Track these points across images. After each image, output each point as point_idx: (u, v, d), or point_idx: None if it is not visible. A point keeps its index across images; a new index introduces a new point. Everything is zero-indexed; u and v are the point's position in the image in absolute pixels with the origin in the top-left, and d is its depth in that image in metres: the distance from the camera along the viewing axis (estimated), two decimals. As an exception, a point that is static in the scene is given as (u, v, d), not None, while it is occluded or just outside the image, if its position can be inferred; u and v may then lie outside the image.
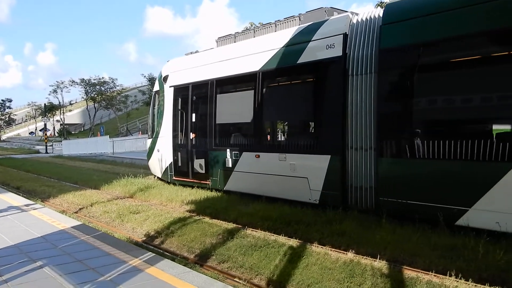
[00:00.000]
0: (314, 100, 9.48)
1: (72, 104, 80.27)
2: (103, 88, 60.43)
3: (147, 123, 16.05)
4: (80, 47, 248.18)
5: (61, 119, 69.23)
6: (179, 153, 13.14)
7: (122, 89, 64.11)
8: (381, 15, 8.36)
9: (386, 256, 6.29)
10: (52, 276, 5.21)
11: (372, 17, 8.62)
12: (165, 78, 13.81)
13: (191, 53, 14.04)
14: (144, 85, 60.55)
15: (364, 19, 8.74)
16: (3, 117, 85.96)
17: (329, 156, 8.82)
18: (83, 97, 65.33)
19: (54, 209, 10.91)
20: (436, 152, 7.22)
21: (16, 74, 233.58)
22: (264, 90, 10.43)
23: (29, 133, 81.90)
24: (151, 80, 51.55)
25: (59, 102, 67.75)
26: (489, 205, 6.59)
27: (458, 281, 5.42)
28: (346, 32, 8.75)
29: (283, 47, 9.97)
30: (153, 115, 14.75)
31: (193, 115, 12.67)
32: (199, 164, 12.37)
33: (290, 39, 9.87)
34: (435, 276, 5.62)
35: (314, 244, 7.07)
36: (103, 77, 61.71)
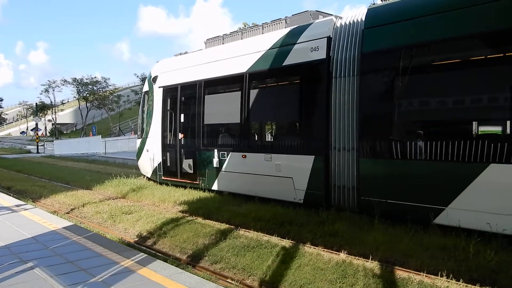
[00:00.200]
0: (299, 101, 9.66)
1: (64, 103, 79.70)
2: (95, 88, 60.12)
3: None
4: (73, 46, 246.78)
5: (52, 118, 68.72)
6: (168, 153, 13.27)
7: (115, 88, 63.80)
8: (363, 19, 8.57)
9: (378, 256, 6.33)
10: (43, 277, 5.17)
11: (355, 21, 8.80)
12: (155, 79, 13.95)
13: (180, 54, 14.17)
14: (137, 85, 60.32)
15: (347, 22, 8.95)
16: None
17: (313, 156, 9.04)
18: (75, 97, 64.95)
19: (46, 210, 10.82)
20: (413, 153, 7.48)
21: (7, 73, 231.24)
22: (251, 91, 10.60)
23: (20, 133, 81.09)
24: (144, 80, 51.26)
25: (51, 102, 67.25)
26: (464, 204, 6.80)
27: (449, 281, 5.46)
28: (330, 36, 8.98)
29: (269, 49, 10.17)
30: (143, 115, 14.90)
31: (182, 115, 12.83)
32: (187, 164, 12.53)
33: (276, 41, 10.07)
34: (427, 276, 5.65)
35: (307, 245, 7.09)
36: (95, 77, 61.48)
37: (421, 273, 5.72)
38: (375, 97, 8.32)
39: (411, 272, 5.82)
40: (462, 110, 7.46)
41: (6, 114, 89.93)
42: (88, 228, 8.82)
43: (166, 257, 7.05)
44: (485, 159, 6.57)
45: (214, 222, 8.99)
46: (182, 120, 12.81)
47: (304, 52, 9.32)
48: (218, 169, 11.32)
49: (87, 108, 61.77)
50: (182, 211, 10.16)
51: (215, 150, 11.39)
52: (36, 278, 5.17)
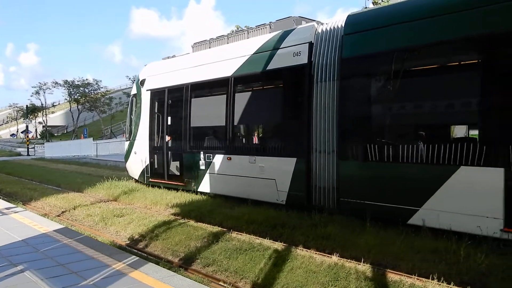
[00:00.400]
0: (282, 105, 9.95)
1: (55, 106, 79.09)
2: (87, 90, 59.68)
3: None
4: (64, 48, 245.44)
5: (43, 121, 68.08)
6: (155, 156, 13.47)
7: (107, 91, 63.50)
8: (343, 25, 8.80)
9: (370, 259, 6.35)
10: (33, 281, 5.13)
11: (336, 27, 9.01)
12: (142, 82, 14.11)
13: (168, 57, 14.37)
14: (129, 87, 59.91)
15: (328, 28, 9.16)
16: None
17: (295, 158, 9.28)
18: (66, 99, 64.46)
19: (36, 212, 10.74)
20: (388, 155, 7.78)
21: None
22: (236, 95, 10.82)
23: (11, 135, 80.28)
24: (136, 83, 51.06)
25: (42, 104, 66.58)
26: (437, 205, 7.06)
27: (440, 284, 5.49)
28: (311, 41, 9.22)
29: (254, 53, 10.41)
30: (131, 118, 15.06)
31: (169, 118, 13.03)
32: (174, 166, 12.75)
33: (261, 46, 10.31)
34: (418, 279, 5.68)
35: (299, 248, 7.10)
36: (87, 79, 60.98)
37: (413, 276, 5.75)
38: (352, 101, 8.58)
39: (402, 275, 5.84)
40: (434, 114, 7.74)
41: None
42: (79, 231, 8.76)
43: (158, 260, 7.02)
44: (456, 162, 6.85)
45: (206, 225, 8.96)
46: (169, 122, 13.01)
47: (287, 57, 9.55)
48: (204, 171, 11.54)
49: (79, 110, 61.30)
50: (174, 214, 10.12)
51: (201, 153, 11.61)
52: (27, 281, 5.12)
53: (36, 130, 73.20)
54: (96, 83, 60.36)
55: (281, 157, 9.65)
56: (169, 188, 12.82)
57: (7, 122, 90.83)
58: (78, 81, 59.80)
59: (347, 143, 8.48)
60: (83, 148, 35.32)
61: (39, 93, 64.22)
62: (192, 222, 9.19)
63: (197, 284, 5.15)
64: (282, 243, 7.37)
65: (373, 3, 15.87)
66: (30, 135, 50.52)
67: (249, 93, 11.08)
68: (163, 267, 5.92)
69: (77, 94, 59.75)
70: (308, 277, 5.95)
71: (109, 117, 59.94)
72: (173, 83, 12.80)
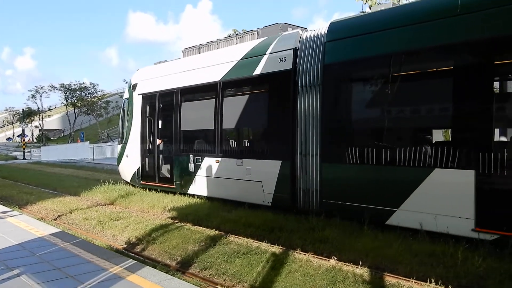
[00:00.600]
0: (268, 109, 10.14)
1: (52, 109, 78.89)
2: (83, 94, 59.58)
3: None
4: (60, 52, 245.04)
5: (40, 124, 67.91)
6: (146, 158, 13.75)
7: (103, 94, 63.31)
8: (326, 32, 9.08)
9: (367, 262, 6.35)
10: (30, 285, 5.10)
11: (319, 34, 9.29)
12: (134, 86, 14.37)
13: (160, 62, 14.68)
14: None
15: (312, 35, 9.44)
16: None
17: (280, 161, 9.54)
18: (63, 103, 64.28)
19: (32, 216, 10.68)
20: (368, 158, 8.01)
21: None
22: (224, 99, 11.08)
23: (6, 139, 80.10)
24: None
25: (38, 108, 66.46)
26: (413, 206, 7.34)
27: (438, 287, 5.49)
28: (296, 47, 9.51)
29: (241, 59, 10.72)
30: (123, 121, 15.31)
31: (160, 122, 13.35)
32: (165, 168, 13.11)
33: (248, 52, 10.62)
34: (416, 282, 5.68)
35: (297, 251, 7.10)
36: (83, 82, 60.81)
37: (410, 279, 5.75)
38: (333, 105, 8.89)
39: (400, 278, 5.84)
40: (410, 119, 8.01)
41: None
42: (75, 234, 8.73)
43: (155, 264, 6.97)
44: (430, 164, 7.15)
45: (203, 228, 8.94)
46: (160, 126, 13.34)
47: (273, 62, 9.83)
48: (194, 173, 11.80)
49: (75, 114, 61.21)
50: (171, 218, 10.10)
51: (191, 155, 11.88)
52: (23, 285, 5.09)
53: (32, 134, 73.02)
54: (93, 87, 60.26)
55: (267, 160, 9.90)
56: (159, 190, 12.98)
57: (3, 126, 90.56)
58: (74, 84, 59.73)
59: (329, 146, 8.76)
60: (80, 151, 35.18)
61: (35, 97, 64.21)
62: (189, 226, 9.17)
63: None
64: (279, 247, 7.36)
65: (369, 7, 15.92)
66: (26, 139, 50.39)
67: (237, 97, 11.36)
68: (161, 271, 5.89)
69: (74, 98, 59.62)
70: (306, 280, 5.93)
71: (106, 121, 59.83)
72: (164, 87, 13.07)
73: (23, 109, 58.14)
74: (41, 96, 64.36)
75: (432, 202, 7.12)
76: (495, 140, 6.89)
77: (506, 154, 6.43)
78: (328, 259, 6.62)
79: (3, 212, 10.12)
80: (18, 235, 7.63)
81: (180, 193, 12.27)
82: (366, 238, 7.27)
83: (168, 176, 12.82)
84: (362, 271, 6.09)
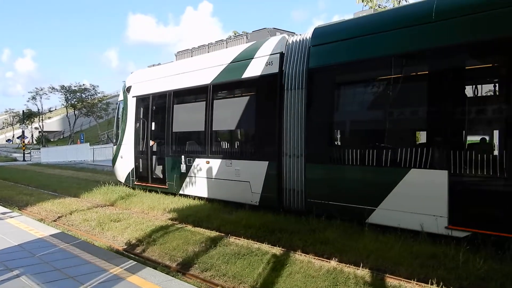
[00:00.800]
0: (255, 111, 10.39)
1: (52, 111, 78.85)
2: (83, 95, 59.56)
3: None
4: (61, 54, 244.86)
5: (39, 126, 67.88)
6: (140, 160, 14.04)
7: (104, 96, 63.40)
8: (311, 37, 9.34)
9: (369, 264, 6.33)
10: (30, 285, 5.07)
11: (305, 38, 9.56)
12: (129, 89, 14.66)
13: (153, 65, 14.96)
14: (126, 93, 59.81)
15: (298, 40, 9.71)
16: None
17: (267, 162, 9.80)
18: (63, 104, 64.24)
19: (32, 217, 10.64)
20: (348, 159, 8.32)
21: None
22: (214, 101, 11.41)
23: (6, 141, 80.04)
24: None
25: (38, 109, 66.39)
26: (391, 205, 7.61)
27: (439, 289, 5.47)
28: (282, 51, 9.80)
29: (231, 62, 11.02)
30: (118, 123, 15.63)
31: (153, 123, 13.63)
32: (158, 169, 13.41)
33: (237, 55, 10.92)
34: (417, 284, 5.66)
35: (298, 252, 7.07)
36: (84, 84, 60.79)
37: (412, 281, 5.72)
38: (317, 108, 9.11)
39: (401, 280, 5.81)
40: (388, 121, 8.26)
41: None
42: (75, 235, 8.71)
43: (155, 265, 6.95)
44: (407, 165, 7.41)
45: (204, 229, 8.92)
46: (153, 128, 13.60)
47: (260, 66, 10.11)
48: (185, 174, 12.07)
49: (75, 115, 61.18)
50: (171, 219, 10.08)
51: (182, 157, 12.18)
52: (22, 286, 5.07)
53: (32, 135, 72.97)
54: (93, 88, 60.29)
55: (254, 160, 10.18)
56: (159, 192, 13.07)
57: (3, 128, 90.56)
58: (75, 86, 59.71)
59: (313, 147, 9.03)
60: (80, 153, 35.20)
61: (35, 99, 64.07)
62: (189, 227, 9.15)
63: (195, 289, 5.11)
64: (280, 248, 7.33)
65: (370, 8, 15.94)
66: (26, 141, 50.31)
67: (226, 100, 11.70)
68: (161, 272, 5.87)
69: (74, 100, 59.57)
70: (307, 281, 5.91)
71: (106, 123, 59.80)
72: (157, 90, 13.36)
73: (23, 111, 58.17)
74: (41, 98, 64.32)
75: (409, 201, 7.39)
76: (466, 142, 7.23)
77: (475, 155, 6.71)
78: (329, 260, 6.59)
79: (2, 213, 10.10)
80: (18, 236, 7.61)
81: (175, 194, 12.46)
82: (367, 240, 7.25)
83: (161, 176, 13.10)
84: (363, 272, 6.06)
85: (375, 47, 8.14)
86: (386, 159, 7.72)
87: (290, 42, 9.83)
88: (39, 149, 47.01)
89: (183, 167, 12.11)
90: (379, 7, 15.13)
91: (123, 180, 14.89)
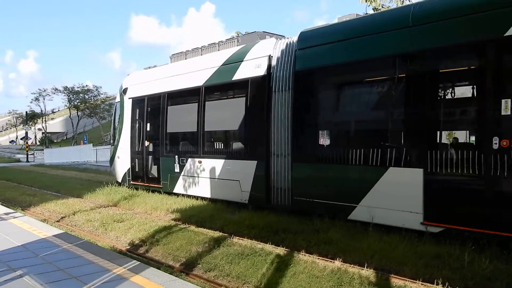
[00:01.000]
0: (245, 112, 10.65)
1: (55, 112, 79.09)
2: (86, 96, 59.69)
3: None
4: (63, 55, 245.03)
5: (43, 127, 68.04)
6: (136, 160, 14.41)
7: (106, 97, 63.42)
8: (297, 41, 9.63)
9: (373, 264, 6.29)
10: (33, 286, 5.06)
11: (292, 42, 9.84)
12: (125, 90, 15.02)
13: (149, 67, 15.53)
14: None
15: (286, 43, 9.99)
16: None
17: (256, 161, 10.10)
18: (66, 105, 64.44)
19: (35, 218, 10.65)
20: (331, 158, 8.72)
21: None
22: (206, 103, 11.73)
23: (10, 142, 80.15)
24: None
25: (41, 110, 66.59)
26: (371, 202, 7.93)
27: (444, 289, 5.43)
28: (271, 54, 10.10)
29: (222, 65, 11.34)
30: (115, 124, 16.05)
31: (148, 124, 14.02)
32: (153, 169, 13.76)
33: (228, 58, 11.25)
34: (423, 284, 5.62)
35: (301, 253, 7.03)
36: (87, 85, 60.94)
37: (417, 281, 5.68)
38: (302, 109, 9.43)
39: (406, 280, 5.78)
40: (368, 122, 8.73)
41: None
42: (79, 236, 8.70)
43: (159, 265, 6.94)
44: (386, 164, 7.73)
45: (207, 230, 8.90)
46: (148, 129, 14.00)
47: (250, 68, 10.42)
48: (179, 173, 12.43)
49: (78, 116, 61.30)
50: (174, 219, 10.06)
51: (176, 156, 12.55)
52: (26, 286, 5.05)
53: (35, 136, 73.14)
54: (96, 89, 60.42)
55: (244, 160, 10.50)
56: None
57: (6, 129, 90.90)
58: (78, 87, 59.82)
59: (298, 147, 9.38)
60: (83, 154, 35.30)
61: (38, 100, 64.22)
62: (192, 227, 9.13)
63: (199, 289, 5.09)
64: (284, 248, 7.30)
65: (373, 9, 15.89)
66: (29, 142, 50.42)
67: (218, 101, 12.04)
68: (165, 272, 5.85)
69: (77, 101, 59.73)
70: (311, 282, 5.87)
71: (109, 123, 59.56)
72: (152, 91, 13.72)
73: (26, 112, 58.31)
74: (44, 99, 64.45)
75: (388, 198, 7.70)
76: (439, 142, 7.56)
77: (449, 154, 7.09)
78: (333, 260, 6.56)
79: (6, 214, 10.11)
80: (21, 236, 7.61)
81: (169, 193, 12.79)
82: (370, 240, 7.22)
83: (156, 176, 13.44)
84: (368, 272, 6.02)
85: (355, 51, 8.47)
86: (366, 158, 8.02)
87: (278, 45, 10.12)
88: (42, 150, 47.13)
89: (176, 167, 12.46)
90: (382, 7, 15.09)
91: (120, 180, 15.20)
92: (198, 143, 11.84)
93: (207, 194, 11.47)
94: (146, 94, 14.01)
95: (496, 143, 6.52)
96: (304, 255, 6.93)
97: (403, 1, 14.40)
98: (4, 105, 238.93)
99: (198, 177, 11.74)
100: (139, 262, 6.06)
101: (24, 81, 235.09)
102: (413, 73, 7.75)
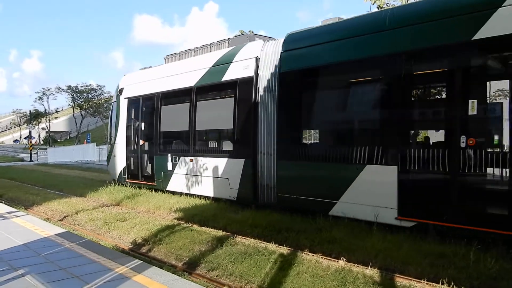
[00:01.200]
0: (234, 112, 10.91)
1: (58, 111, 79.23)
2: (90, 95, 59.82)
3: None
4: (67, 55, 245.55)
5: (46, 126, 68.22)
6: (131, 158, 14.83)
7: (110, 96, 63.43)
8: (283, 43, 9.95)
9: (377, 263, 6.23)
10: (34, 285, 5.03)
11: (279, 44, 10.10)
12: (121, 91, 15.46)
13: (145, 68, 15.91)
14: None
15: (273, 45, 10.33)
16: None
17: (244, 160, 10.45)
18: (69, 105, 64.57)
19: (38, 217, 10.64)
20: (313, 156, 9.16)
21: (1, 81, 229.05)
22: (197, 103, 12.10)
23: (14, 141, 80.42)
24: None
25: (45, 110, 66.70)
26: (350, 198, 8.26)
27: (450, 289, 5.36)
28: (258, 56, 10.42)
29: (213, 66, 11.72)
30: (111, 124, 16.56)
31: (143, 124, 14.48)
32: (147, 167, 14.16)
33: (218, 59, 11.62)
34: (428, 284, 5.55)
35: (305, 252, 6.98)
36: (90, 84, 61.06)
37: (422, 281, 5.62)
38: (286, 109, 9.73)
39: (411, 279, 5.71)
40: (347, 121, 9.11)
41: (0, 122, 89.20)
42: (81, 235, 8.67)
43: (161, 264, 6.89)
44: (363, 161, 8.09)
45: (210, 229, 8.85)
46: (143, 128, 14.44)
47: (238, 69, 10.77)
48: (171, 171, 12.83)
49: (82, 116, 61.44)
50: (177, 218, 10.03)
51: (169, 155, 12.96)
52: (28, 285, 5.02)
53: (39, 136, 73.36)
54: (100, 89, 60.58)
55: (232, 158, 10.85)
56: (140, 187, 13.94)
57: (10, 128, 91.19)
58: (81, 86, 60.01)
59: (283, 145, 9.69)
60: (86, 153, 35.37)
61: (42, 99, 64.39)
62: (195, 226, 9.09)
63: (201, 288, 5.04)
64: (287, 247, 7.25)
65: (377, 7, 15.78)
66: (33, 141, 50.58)
67: (209, 101, 12.32)
68: (167, 271, 5.79)
69: (81, 100, 59.84)
70: (315, 281, 5.82)
71: (112, 123, 59.85)
72: (147, 92, 14.15)
73: (30, 111, 58.50)
74: (48, 98, 64.63)
75: (365, 194, 8.02)
76: (412, 140, 8.16)
77: (420, 152, 7.39)
78: (337, 260, 6.50)
79: (8, 213, 10.11)
80: (23, 235, 7.59)
81: (163, 191, 13.13)
82: (374, 239, 7.16)
83: (150, 174, 13.85)
84: (372, 272, 5.96)
85: (334, 53, 8.87)
86: (345, 156, 8.44)
87: (266, 47, 10.42)
88: (46, 149, 47.30)
89: (169, 165, 12.85)
90: (387, 5, 14.99)
91: (116, 178, 15.56)
92: (190, 142, 12.23)
93: (199, 192, 11.81)
94: (141, 94, 14.42)
95: (463, 142, 6.82)
96: (308, 254, 6.88)
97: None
98: (8, 104, 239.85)
99: (190, 175, 12.09)
100: (141, 261, 6.02)
101: (28, 80, 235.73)
102: (388, 75, 8.17)
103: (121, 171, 15.14)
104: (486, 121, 7.21)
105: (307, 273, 6.06)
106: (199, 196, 11.76)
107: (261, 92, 10.17)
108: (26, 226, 8.43)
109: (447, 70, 7.62)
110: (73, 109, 63.88)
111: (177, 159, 12.62)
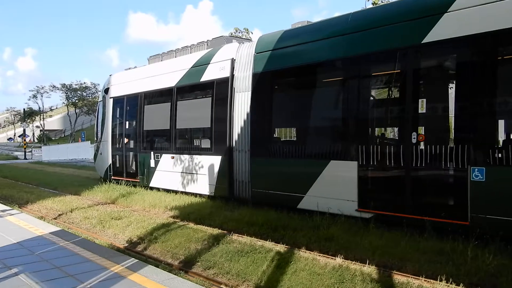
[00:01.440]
0: (211, 111, 11.42)
1: (53, 109, 78.77)
2: (84, 94, 59.52)
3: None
4: (61, 53, 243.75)
5: (41, 124, 67.79)
6: (116, 156, 15.39)
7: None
8: (255, 45, 10.43)
9: (375, 261, 6.19)
10: (28, 284, 4.95)
11: (253, 46, 10.54)
12: (107, 90, 16.00)
13: (130, 68, 16.52)
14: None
15: (247, 47, 10.76)
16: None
17: (220, 157, 10.95)
18: (64, 103, 64.20)
19: (32, 215, 10.54)
20: (282, 152, 9.63)
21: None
22: (178, 102, 12.62)
23: (8, 139, 79.88)
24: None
25: (39, 108, 66.31)
26: (316, 192, 8.71)
27: (449, 285, 5.35)
28: (233, 58, 10.91)
29: (192, 67, 12.23)
30: (98, 122, 17.05)
31: (127, 122, 15.07)
32: (131, 164, 14.73)
33: (197, 60, 12.12)
34: (426, 280, 5.53)
35: (302, 250, 6.94)
36: (84, 82, 60.82)
37: (420, 278, 5.60)
38: (258, 108, 10.19)
39: (409, 276, 5.69)
40: (312, 120, 9.62)
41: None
42: (76, 233, 8.58)
43: (157, 263, 6.84)
44: (327, 157, 8.58)
45: (206, 227, 8.80)
46: (127, 126, 15.05)
47: (215, 70, 11.28)
48: (154, 168, 13.35)
49: (76, 114, 61.09)
50: (173, 216, 9.97)
51: (152, 152, 13.52)
52: (21, 284, 4.94)
53: (33, 134, 72.88)
54: (94, 87, 60.23)
55: (210, 155, 11.31)
56: (128, 184, 14.19)
57: (4, 126, 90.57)
58: (76, 84, 59.67)
59: (256, 143, 10.15)
60: (81, 151, 35.18)
61: (36, 97, 64.01)
62: (191, 225, 9.02)
63: (198, 287, 4.98)
64: (284, 245, 7.22)
65: (373, 3, 15.78)
66: (27, 139, 50.20)
67: (188, 101, 12.77)
68: (163, 270, 5.73)
69: (75, 98, 59.52)
70: (312, 279, 5.78)
71: (107, 121, 59.57)
72: (131, 91, 14.65)
73: (24, 109, 58.11)
74: (42, 96, 64.29)
75: (330, 188, 8.49)
76: (370, 137, 8.63)
77: (378, 148, 7.94)
78: (334, 257, 6.47)
79: (2, 211, 10.00)
80: (17, 233, 7.49)
81: (146, 187, 13.65)
82: (372, 236, 7.14)
83: (134, 171, 14.37)
84: (370, 269, 5.93)
85: (300, 55, 9.26)
86: (311, 152, 9.05)
87: (241, 49, 10.86)
88: (40, 147, 46.93)
89: (152, 162, 13.40)
90: (382, 1, 14.98)
91: (102, 175, 16.09)
92: (171, 140, 12.77)
93: (180, 188, 12.28)
94: (125, 94, 14.95)
95: (414, 138, 7.30)
96: (305, 252, 6.84)
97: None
98: (2, 102, 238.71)
99: (172, 171, 12.56)
100: (137, 260, 5.95)
101: (22, 78, 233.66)
102: (348, 75, 8.70)
103: (107, 168, 15.59)
104: (434, 118, 7.68)
105: (305, 271, 6.02)
106: (188, 193, 12.08)
107: (236, 92, 10.62)
108: (20, 225, 8.34)
109: (400, 72, 7.96)
110: (68, 107, 63.50)
111: (159, 156, 13.12)
